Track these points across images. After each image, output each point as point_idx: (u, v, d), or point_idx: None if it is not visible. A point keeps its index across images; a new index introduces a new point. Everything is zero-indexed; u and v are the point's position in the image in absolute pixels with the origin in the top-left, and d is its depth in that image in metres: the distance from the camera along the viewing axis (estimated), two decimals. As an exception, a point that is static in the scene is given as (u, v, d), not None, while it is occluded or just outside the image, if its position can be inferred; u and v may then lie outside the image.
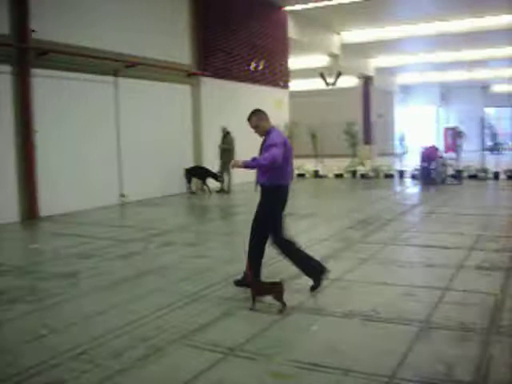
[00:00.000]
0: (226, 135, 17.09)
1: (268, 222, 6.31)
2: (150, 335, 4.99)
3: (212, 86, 18.81)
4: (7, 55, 12.33)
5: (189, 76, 17.89)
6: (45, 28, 12.90)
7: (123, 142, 15.15)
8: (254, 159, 6.11)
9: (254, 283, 5.78)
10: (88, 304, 6.08)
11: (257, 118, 6.36)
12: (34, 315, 5.78)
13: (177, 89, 17.43)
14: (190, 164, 17.67)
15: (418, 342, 4.72)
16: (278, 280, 5.71)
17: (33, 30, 12.66)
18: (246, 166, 6.15)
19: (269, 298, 5.66)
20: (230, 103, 19.77)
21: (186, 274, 7.28)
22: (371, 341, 4.81)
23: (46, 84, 13.04)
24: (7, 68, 12.38)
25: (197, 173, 17.26)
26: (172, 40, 17.23)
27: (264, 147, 6.15)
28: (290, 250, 6.36)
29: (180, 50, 17.60)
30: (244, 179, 19.43)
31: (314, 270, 6.30)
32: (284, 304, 5.54)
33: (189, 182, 17.09)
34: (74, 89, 13.79)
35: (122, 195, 15.00)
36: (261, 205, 6.36)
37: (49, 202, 12.95)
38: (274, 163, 5.97)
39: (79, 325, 5.38)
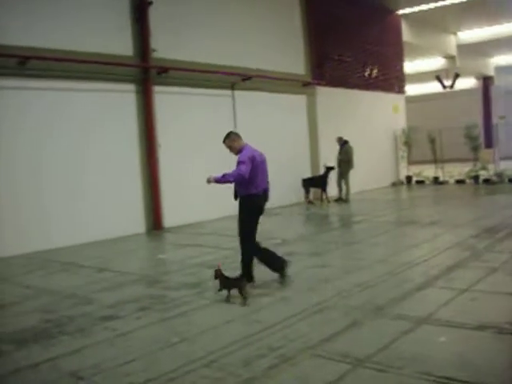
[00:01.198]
0: (344, 145, 17.01)
1: (245, 229, 7.22)
2: (277, 345, 5.02)
3: (327, 95, 18.81)
4: (131, 75, 12.99)
5: (304, 86, 17.99)
6: (164, 47, 13.47)
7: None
8: (224, 175, 7.01)
9: (221, 277, 6.58)
10: (215, 313, 6.22)
11: (229, 140, 7.34)
12: (164, 323, 6.00)
13: (292, 99, 17.57)
14: (308, 174, 17.72)
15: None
16: (239, 276, 6.83)
17: (153, 50, 13.25)
18: (217, 181, 7.07)
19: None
20: (346, 111, 19.68)
21: (311, 283, 7.27)
22: (507, 355, 4.58)
23: (166, 100, 13.60)
24: (131, 87, 13.02)
25: (315, 182, 17.25)
26: (286, 51, 17.42)
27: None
28: (262, 253, 7.35)
29: (295, 61, 17.76)
30: (362, 187, 19.33)
31: (278, 265, 7.30)
32: (245, 297, 6.39)
33: (307, 191, 17.13)
34: (192, 103, 14.27)
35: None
36: (239, 213, 7.24)
37: (171, 214, 13.45)
38: (242, 178, 6.94)
39: (209, 333, 5.51)
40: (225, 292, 6.59)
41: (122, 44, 12.84)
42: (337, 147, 17.27)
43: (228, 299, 6.53)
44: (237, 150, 7.29)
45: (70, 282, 8.39)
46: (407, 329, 5.24)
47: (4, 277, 9.12)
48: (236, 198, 7.28)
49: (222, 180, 7.04)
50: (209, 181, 7.09)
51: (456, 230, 10.81)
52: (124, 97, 12.91)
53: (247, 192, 7.13)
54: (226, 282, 6.55)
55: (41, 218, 11.30)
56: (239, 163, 7.00)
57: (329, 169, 16.84)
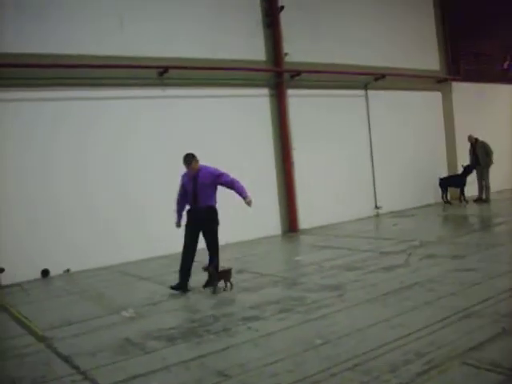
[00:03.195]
0: (476, 143, 16.30)
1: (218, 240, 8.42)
2: (424, 351, 4.92)
3: (463, 91, 18.12)
4: (265, 79, 13.25)
5: (439, 82, 17.45)
6: (296, 50, 13.62)
7: (376, 153, 15.29)
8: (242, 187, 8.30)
9: (215, 272, 7.97)
10: (358, 316, 6.20)
11: (194, 162, 8.18)
12: (307, 325, 6.05)
13: (427, 96, 17.12)
14: (445, 173, 17.18)
15: None
16: (227, 268, 8.13)
17: (286, 54, 13.44)
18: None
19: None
20: (483, 107, 18.84)
21: (454, 287, 7.05)
22: None
23: (299, 103, 13.74)
24: (266, 91, 13.29)
25: (453, 182, 16.68)
26: (420, 47, 17.00)
27: (213, 179, 8.20)
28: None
29: (429, 57, 17.29)
30: (504, 186, 18.41)
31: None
32: (231, 284, 8.05)
33: (444, 191, 16.60)
34: (325, 105, 14.32)
35: (378, 207, 15.12)
36: (212, 225, 8.31)
37: (306, 216, 13.57)
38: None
39: (352, 336, 5.50)
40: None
41: (255, 49, 13.15)
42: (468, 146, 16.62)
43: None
44: (195, 170, 8.18)
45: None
46: None
47: (146, 276, 9.69)
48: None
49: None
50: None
51: None
52: (259, 101, 13.21)
53: (214, 203, 8.31)
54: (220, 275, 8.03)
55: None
56: (222, 174, 8.24)
57: (467, 168, 16.25)
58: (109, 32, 11.17)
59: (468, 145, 16.66)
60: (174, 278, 8.29)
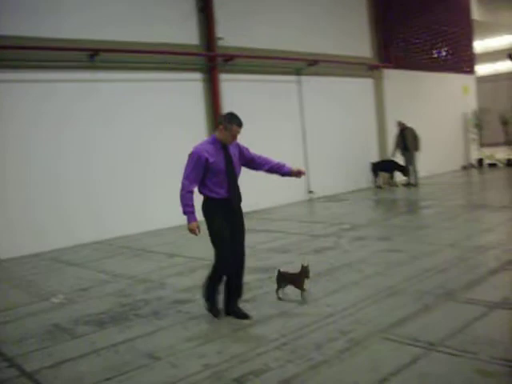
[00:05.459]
0: (405, 129, 16.73)
1: None
2: (348, 328, 5.08)
3: (394, 78, 18.53)
4: (198, 64, 13.21)
5: (371, 69, 17.79)
6: (230, 34, 13.61)
7: (309, 138, 15.49)
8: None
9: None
10: (287, 297, 6.31)
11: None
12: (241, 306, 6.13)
13: (359, 83, 17.43)
14: (376, 158, 17.59)
15: None
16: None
17: (219, 38, 13.41)
18: None
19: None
20: (414, 93, 19.35)
21: (381, 268, 7.28)
22: None
23: (233, 88, 13.75)
24: (198, 75, 13.24)
25: (384, 166, 17.10)
26: (352, 34, 17.29)
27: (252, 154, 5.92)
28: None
29: (361, 44, 17.59)
30: (432, 171, 19.00)
31: (211, 300, 5.89)
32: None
33: (375, 176, 17.01)
34: (259, 90, 14.39)
35: (310, 191, 15.35)
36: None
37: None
38: None
39: (280, 316, 5.62)
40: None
41: (187, 33, 13.07)
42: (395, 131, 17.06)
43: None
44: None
45: (142, 267, 8.71)
46: (481, 313, 5.18)
47: (78, 262, 9.56)
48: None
49: None
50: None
51: None
52: (192, 86, 13.17)
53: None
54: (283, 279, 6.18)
55: (113, 206, 11.81)
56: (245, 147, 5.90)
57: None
58: (42, 14, 10.86)
59: (396, 130, 17.07)
60: (106, 263, 8.21)
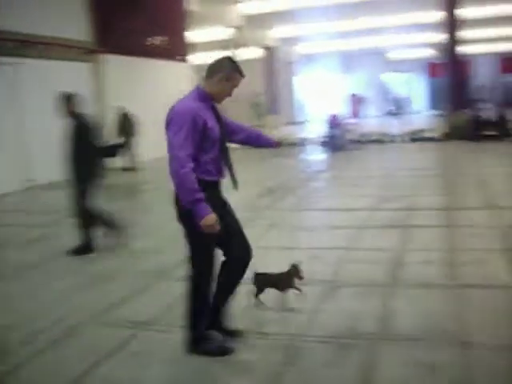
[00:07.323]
0: (125, 115, 16.85)
1: None
2: (63, 317, 4.98)
3: (114, 63, 18.33)
4: None
5: (88, 54, 17.39)
6: None
7: (29, 123, 14.60)
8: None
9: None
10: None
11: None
12: None
13: (79, 67, 16.88)
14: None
15: (326, 301, 4.95)
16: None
17: None
18: None
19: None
20: (133, 79, 19.41)
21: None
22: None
23: None
24: None
25: (107, 152, 16.80)
26: (68, 16, 16.57)
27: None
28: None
29: (76, 27, 16.99)
30: (151, 156, 19.25)
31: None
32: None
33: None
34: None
35: (30, 179, 14.51)
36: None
37: None
38: None
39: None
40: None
41: None
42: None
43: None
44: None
45: None
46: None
47: None
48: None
49: None
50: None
51: (241, 191, 11.29)
52: None
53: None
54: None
55: None
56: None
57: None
58: None
59: (115, 116, 17.00)
60: None
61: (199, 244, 3.94)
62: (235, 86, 4.07)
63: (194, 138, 3.75)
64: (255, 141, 4.51)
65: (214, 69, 4.04)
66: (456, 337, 4.13)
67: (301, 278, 4.71)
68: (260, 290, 4.83)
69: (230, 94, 4.12)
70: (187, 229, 3.93)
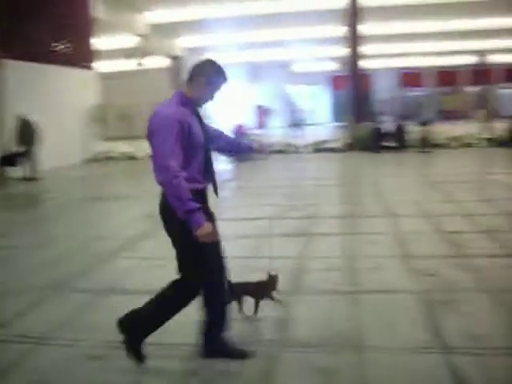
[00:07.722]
0: (26, 123, 16.25)
1: None
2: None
3: (17, 70, 17.66)
4: None
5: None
6: None
7: None
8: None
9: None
10: None
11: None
12: None
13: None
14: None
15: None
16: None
17: None
18: None
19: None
20: (37, 86, 18.78)
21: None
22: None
23: None
24: None
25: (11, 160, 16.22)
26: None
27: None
28: None
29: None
30: (51, 165, 18.65)
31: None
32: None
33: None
34: None
35: None
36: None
37: None
38: None
39: None
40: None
41: None
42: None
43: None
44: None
45: None
46: (90, 301, 5.35)
47: None
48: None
49: None
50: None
51: (146, 204, 11.17)
52: None
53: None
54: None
55: None
56: None
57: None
58: None
59: (16, 124, 16.36)
60: None
61: (200, 252, 3.80)
62: (217, 89, 3.91)
63: (182, 145, 3.61)
64: (236, 147, 4.46)
65: (194, 72, 3.86)
66: (352, 341, 4.25)
67: (275, 288, 4.61)
68: (239, 301, 4.67)
69: (211, 98, 3.93)
70: (182, 240, 3.80)
